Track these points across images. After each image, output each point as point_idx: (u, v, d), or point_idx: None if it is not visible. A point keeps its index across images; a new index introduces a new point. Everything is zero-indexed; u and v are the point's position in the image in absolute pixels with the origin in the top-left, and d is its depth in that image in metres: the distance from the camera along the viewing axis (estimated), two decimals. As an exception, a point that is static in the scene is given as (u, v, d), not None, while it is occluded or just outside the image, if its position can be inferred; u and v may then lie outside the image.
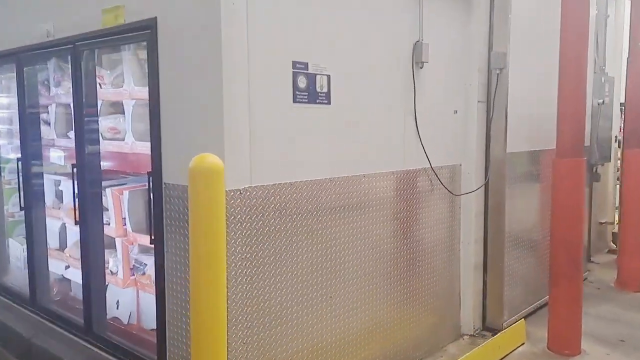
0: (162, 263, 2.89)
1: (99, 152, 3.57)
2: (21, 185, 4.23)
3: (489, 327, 4.26)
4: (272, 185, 2.73)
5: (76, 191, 3.62)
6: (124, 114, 3.48)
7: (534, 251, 4.64)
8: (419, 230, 3.72)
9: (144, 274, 3.58)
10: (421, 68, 3.58)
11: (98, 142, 3.56)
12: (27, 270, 4.28)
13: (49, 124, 4.20)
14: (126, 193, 3.62)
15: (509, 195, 4.14)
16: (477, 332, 4.23)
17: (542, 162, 4.56)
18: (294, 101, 2.82)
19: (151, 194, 2.97)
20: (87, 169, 3.55)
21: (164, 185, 2.83)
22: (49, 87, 4.17)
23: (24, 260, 4.45)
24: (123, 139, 3.48)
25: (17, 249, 4.84)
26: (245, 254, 2.62)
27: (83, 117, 3.49)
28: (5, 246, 4.92)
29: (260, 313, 2.72)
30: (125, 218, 3.64)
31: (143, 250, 3.67)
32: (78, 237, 4.05)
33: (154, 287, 3.01)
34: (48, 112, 4.20)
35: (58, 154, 4.18)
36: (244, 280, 2.62)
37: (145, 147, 3.27)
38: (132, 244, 3.68)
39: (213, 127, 2.56)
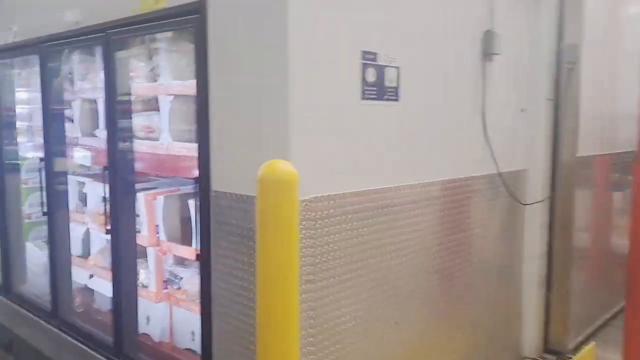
0: (208, 280, 2.53)
1: (133, 153, 3.22)
2: (44, 187, 3.88)
3: (551, 350, 3.86)
4: (339, 194, 2.35)
5: (107, 195, 3.26)
6: (159, 111, 3.14)
7: (600, 264, 4.24)
8: (481, 244, 3.33)
9: (179, 288, 3.23)
10: (490, 60, 3.20)
11: (131, 142, 3.21)
12: (47, 279, 3.95)
13: (72, 121, 3.86)
14: (160, 198, 3.27)
15: (578, 205, 3.74)
16: (539, 355, 3.84)
17: (610, 167, 4.16)
18: (362, 97, 2.44)
19: (197, 202, 2.62)
20: (119, 171, 3.19)
21: (212, 194, 2.47)
22: (73, 81, 3.82)
23: (44, 266, 4.12)
24: (158, 139, 3.14)
25: (35, 254, 4.50)
26: (309, 275, 2.25)
27: (115, 114, 3.14)
28: (23, 251, 4.58)
29: (324, 344, 2.36)
30: (158, 225, 3.30)
31: (178, 261, 3.33)
32: (104, 244, 3.73)
33: (199, 307, 2.64)
34: (71, 108, 3.86)
35: (82, 153, 3.83)
36: (307, 306, 2.26)
37: (183, 149, 2.96)
38: (166, 254, 3.34)
39: (275, 129, 2.19)
